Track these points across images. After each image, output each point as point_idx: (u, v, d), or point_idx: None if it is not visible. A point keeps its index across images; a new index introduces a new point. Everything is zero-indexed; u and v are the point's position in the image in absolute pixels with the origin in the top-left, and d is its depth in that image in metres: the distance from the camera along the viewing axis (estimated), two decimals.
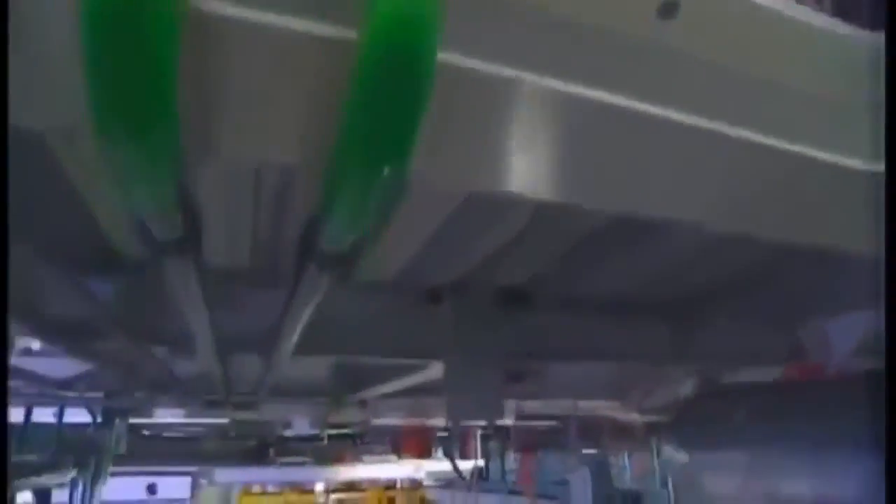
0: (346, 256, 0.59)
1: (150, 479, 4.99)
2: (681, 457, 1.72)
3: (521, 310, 2.32)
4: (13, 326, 1.67)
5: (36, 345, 1.78)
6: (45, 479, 2.86)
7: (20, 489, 2.82)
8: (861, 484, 1.17)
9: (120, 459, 4.00)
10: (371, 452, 6.21)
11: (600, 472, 3.13)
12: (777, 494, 1.38)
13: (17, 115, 0.60)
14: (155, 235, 0.54)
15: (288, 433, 7.00)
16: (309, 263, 0.61)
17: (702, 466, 1.58)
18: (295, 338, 1.13)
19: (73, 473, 2.98)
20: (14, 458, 2.63)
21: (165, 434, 7.18)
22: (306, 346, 2.00)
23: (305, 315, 0.86)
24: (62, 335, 1.76)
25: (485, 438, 5.85)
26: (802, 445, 1.39)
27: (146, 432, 7.07)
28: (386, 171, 0.45)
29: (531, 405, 4.10)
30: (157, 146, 0.41)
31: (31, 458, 2.68)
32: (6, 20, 0.82)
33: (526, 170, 0.72)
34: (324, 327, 2.04)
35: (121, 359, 2.16)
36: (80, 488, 3.16)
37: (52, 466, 2.80)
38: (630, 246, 1.94)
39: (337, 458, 6.01)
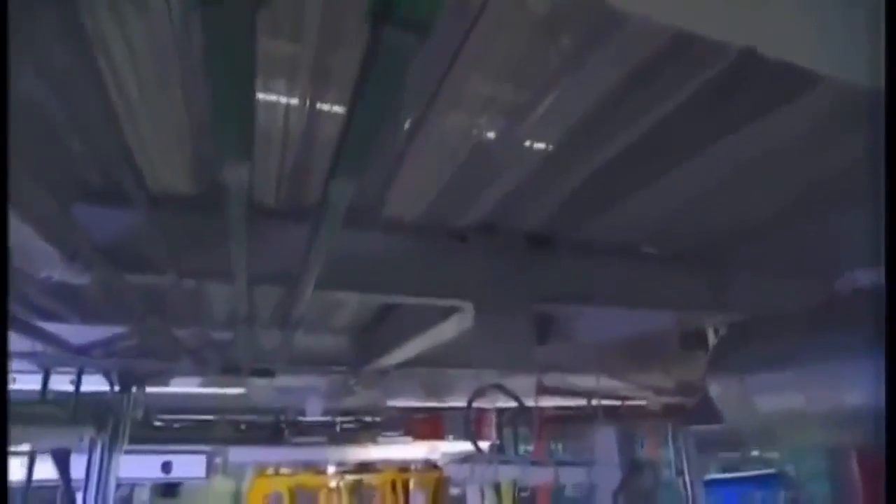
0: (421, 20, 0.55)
1: (165, 458, 4.96)
2: (733, 385, 1.67)
3: (548, 253, 2.28)
4: (54, 255, 1.65)
5: (69, 275, 1.76)
6: (64, 437, 2.84)
7: (40, 445, 2.80)
8: None
9: (135, 439, 3.98)
10: (386, 434, 6.17)
11: (625, 435, 3.06)
12: (836, 407, 1.32)
13: None
14: None
15: (301, 419, 6.98)
16: (385, 29, 0.57)
17: (755, 388, 1.53)
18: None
19: (91, 432, 2.96)
20: (34, 410, 2.61)
21: (177, 425, 7.18)
22: (332, 281, 1.98)
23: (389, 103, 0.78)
24: (101, 263, 1.75)
25: (499, 427, 5.79)
26: (856, 356, 1.33)
27: (158, 423, 7.07)
28: None
29: (552, 380, 4.05)
30: None
31: (50, 411, 2.66)
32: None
33: None
34: (350, 265, 2.01)
35: (150, 294, 2.14)
36: (98, 451, 3.14)
37: (71, 422, 2.78)
38: (658, 181, 1.89)
39: (351, 439, 5.96)
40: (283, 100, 1.51)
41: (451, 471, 4.40)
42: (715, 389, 1.87)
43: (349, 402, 5.63)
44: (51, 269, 1.75)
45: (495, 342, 2.04)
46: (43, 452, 2.87)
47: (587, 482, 3.12)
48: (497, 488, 4.08)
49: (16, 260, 1.71)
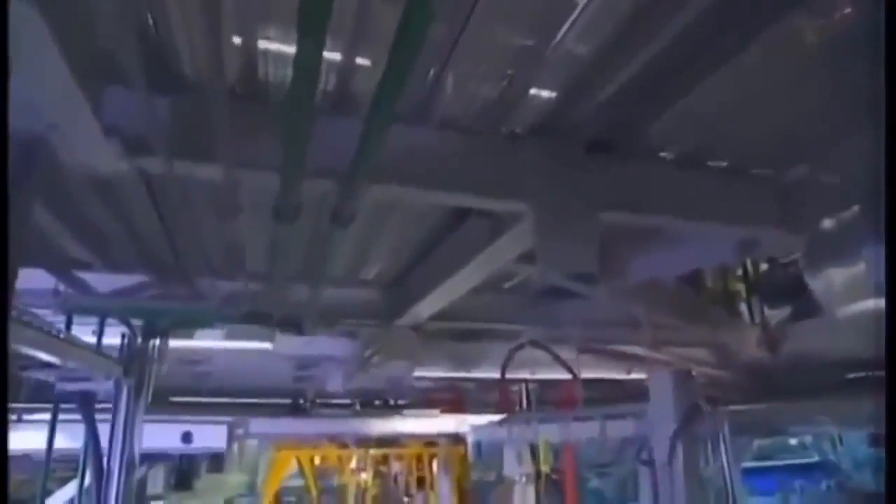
0: None
1: (186, 428, 4.84)
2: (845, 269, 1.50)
3: (608, 159, 2.13)
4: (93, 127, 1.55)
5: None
6: (88, 380, 2.73)
7: (65, 378, 2.69)
8: None
9: (155, 409, 3.88)
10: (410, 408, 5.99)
11: (682, 379, 2.87)
12: None
13: None
14: None
15: (321, 401, 6.84)
16: None
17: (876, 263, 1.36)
18: None
19: (117, 372, 2.84)
20: (59, 347, 2.50)
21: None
22: (386, 175, 1.84)
23: None
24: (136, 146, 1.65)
25: (528, 398, 5.59)
26: None
27: (174, 399, 7.01)
28: None
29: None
30: None
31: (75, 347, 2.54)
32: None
33: None
34: (403, 161, 1.88)
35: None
36: (123, 398, 3.02)
37: (97, 356, 2.66)
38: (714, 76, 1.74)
39: (375, 412, 5.79)
40: None
41: (486, 433, 4.21)
42: (819, 283, 1.71)
43: (372, 375, 5.45)
44: (86, 149, 1.63)
45: (559, 239, 1.89)
46: (68, 390, 2.75)
47: (639, 432, 2.94)
48: (534, 452, 3.89)
49: (53, 138, 1.61)
